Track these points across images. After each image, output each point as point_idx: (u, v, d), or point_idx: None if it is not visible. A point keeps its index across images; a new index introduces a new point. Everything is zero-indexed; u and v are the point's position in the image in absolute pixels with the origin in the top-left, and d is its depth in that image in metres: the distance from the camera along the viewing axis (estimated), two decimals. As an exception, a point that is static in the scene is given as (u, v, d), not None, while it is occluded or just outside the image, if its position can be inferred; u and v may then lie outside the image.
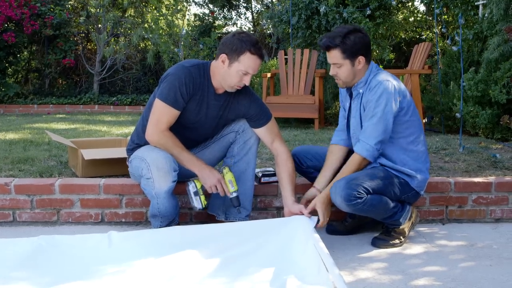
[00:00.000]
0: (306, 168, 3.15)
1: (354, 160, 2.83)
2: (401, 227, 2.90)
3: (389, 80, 2.80)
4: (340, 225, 3.10)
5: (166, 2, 12.08)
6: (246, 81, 2.85)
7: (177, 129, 2.89)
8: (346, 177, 2.74)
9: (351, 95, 3.00)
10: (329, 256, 2.31)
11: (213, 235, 2.72)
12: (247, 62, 2.79)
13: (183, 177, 3.01)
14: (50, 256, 2.55)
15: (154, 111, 2.86)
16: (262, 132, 3.06)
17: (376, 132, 2.76)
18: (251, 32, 13.91)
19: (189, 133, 2.97)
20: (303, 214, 2.82)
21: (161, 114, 2.84)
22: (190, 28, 12.87)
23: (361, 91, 2.88)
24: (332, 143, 3.10)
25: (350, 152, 3.00)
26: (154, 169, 2.73)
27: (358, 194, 2.65)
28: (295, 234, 2.68)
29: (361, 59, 2.83)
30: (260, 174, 3.30)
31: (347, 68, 2.83)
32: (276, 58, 8.45)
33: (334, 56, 2.83)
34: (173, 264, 2.45)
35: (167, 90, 2.82)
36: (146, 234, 2.77)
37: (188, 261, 2.49)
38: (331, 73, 2.91)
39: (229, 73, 2.82)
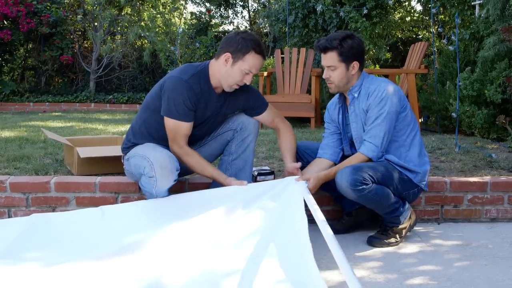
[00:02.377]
0: (307, 163, 3.15)
1: (357, 157, 2.87)
2: (399, 226, 2.91)
3: (387, 83, 2.87)
4: (337, 223, 3.11)
5: (163, 0, 12.06)
6: (247, 80, 2.89)
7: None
8: (352, 165, 2.78)
9: (342, 106, 3.05)
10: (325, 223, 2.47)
11: (207, 201, 2.77)
12: (252, 62, 2.84)
13: (182, 174, 3.05)
14: (44, 233, 2.58)
15: (169, 129, 2.90)
16: (263, 117, 3.15)
17: (381, 133, 2.81)
18: (248, 31, 13.90)
19: (195, 131, 3.00)
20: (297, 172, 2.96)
21: (176, 130, 2.89)
22: (186, 26, 12.87)
23: (356, 95, 2.93)
24: (318, 156, 3.12)
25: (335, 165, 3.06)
26: (157, 168, 2.73)
27: (364, 180, 2.69)
28: (292, 201, 2.74)
29: (356, 64, 2.88)
30: (256, 173, 3.30)
31: (341, 72, 2.87)
32: (273, 57, 8.45)
33: (330, 58, 2.87)
34: (170, 237, 2.48)
35: (173, 108, 2.85)
36: (139, 204, 2.83)
37: (184, 234, 2.51)
38: (324, 76, 2.94)
39: (232, 72, 2.85)
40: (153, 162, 2.74)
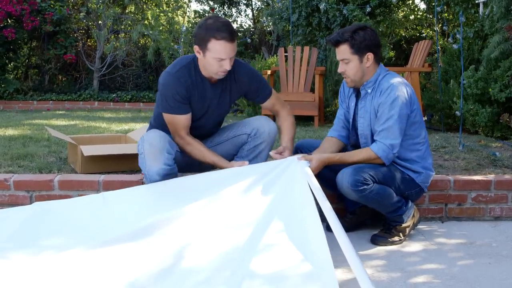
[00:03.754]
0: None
1: (367, 152, 2.82)
2: (403, 225, 2.90)
3: (401, 83, 2.81)
4: (341, 221, 3.09)
5: (166, -1, 12.07)
6: (226, 65, 2.83)
7: (192, 123, 3.00)
8: (353, 166, 2.76)
9: (357, 95, 3.00)
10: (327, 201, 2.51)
11: (210, 183, 2.77)
12: (216, 48, 2.78)
13: (188, 169, 3.09)
14: (49, 220, 2.60)
15: (168, 123, 2.98)
16: (268, 104, 3.18)
17: (393, 135, 2.76)
18: (251, 29, 13.89)
19: (202, 123, 3.07)
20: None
21: (173, 123, 2.95)
22: (190, 25, 12.86)
23: (369, 91, 2.88)
24: (329, 135, 3.12)
25: (345, 148, 3.08)
26: (147, 146, 2.79)
27: (365, 180, 2.68)
28: (295, 179, 2.71)
29: (370, 56, 2.83)
30: None
31: (355, 65, 2.83)
32: (276, 55, 8.44)
33: (343, 51, 2.83)
34: (179, 220, 2.49)
35: (165, 102, 2.92)
36: (141, 189, 2.86)
37: (193, 217, 2.51)
38: (339, 70, 2.91)
39: (207, 62, 2.85)
40: (145, 139, 2.83)
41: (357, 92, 3.00)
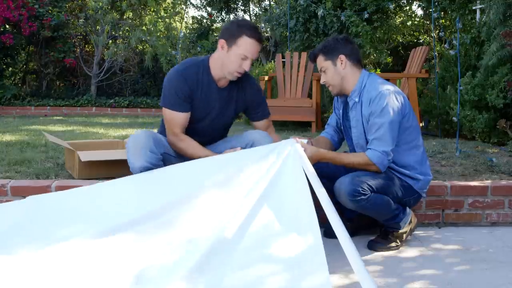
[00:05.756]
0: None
1: (362, 156, 2.81)
2: (400, 231, 2.90)
3: (389, 89, 2.80)
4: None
5: (164, 5, 12.09)
6: (246, 66, 2.88)
7: (193, 125, 3.01)
8: (351, 174, 2.76)
9: (345, 106, 3.04)
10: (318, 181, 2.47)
11: (209, 169, 2.70)
12: (245, 46, 2.84)
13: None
14: (45, 212, 2.56)
15: (165, 119, 2.99)
16: (263, 124, 3.19)
17: (385, 142, 2.76)
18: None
19: (204, 127, 3.06)
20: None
21: (170, 119, 2.96)
22: (188, 30, 12.89)
23: (356, 100, 2.88)
24: (323, 135, 3.20)
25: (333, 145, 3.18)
26: (130, 141, 2.80)
27: (362, 190, 2.67)
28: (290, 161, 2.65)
29: (342, 57, 2.86)
30: None
31: (331, 70, 2.89)
32: (274, 61, 8.46)
33: (319, 61, 2.94)
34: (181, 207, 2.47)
35: (167, 97, 2.95)
36: (135, 178, 2.79)
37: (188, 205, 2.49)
38: (321, 81, 2.99)
39: (229, 58, 2.87)
40: (131, 136, 2.84)
41: (345, 102, 3.03)
